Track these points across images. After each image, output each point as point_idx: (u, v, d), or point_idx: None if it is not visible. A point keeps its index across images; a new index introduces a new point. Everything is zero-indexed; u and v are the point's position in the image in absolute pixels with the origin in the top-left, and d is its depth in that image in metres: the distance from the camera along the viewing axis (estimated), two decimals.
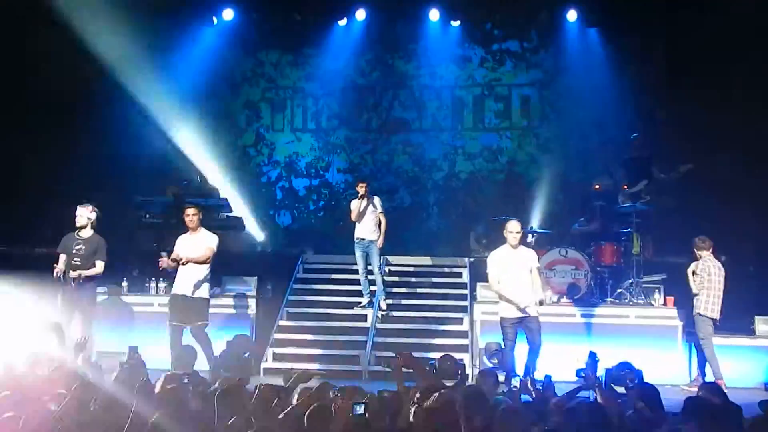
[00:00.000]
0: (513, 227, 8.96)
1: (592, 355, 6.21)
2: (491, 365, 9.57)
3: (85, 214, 9.27)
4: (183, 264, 9.07)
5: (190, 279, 9.09)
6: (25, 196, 9.33)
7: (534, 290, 8.85)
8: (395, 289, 11.68)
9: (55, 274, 9.06)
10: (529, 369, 8.39)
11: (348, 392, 4.94)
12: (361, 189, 10.94)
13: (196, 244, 9.20)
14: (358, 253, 11.03)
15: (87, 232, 9.28)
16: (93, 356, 8.70)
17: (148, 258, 11.41)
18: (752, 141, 11.59)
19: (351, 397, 4.69)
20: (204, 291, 9.17)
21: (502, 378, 7.87)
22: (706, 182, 11.74)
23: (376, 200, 11.11)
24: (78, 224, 9.25)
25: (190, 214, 9.22)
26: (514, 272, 8.85)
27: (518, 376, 8.17)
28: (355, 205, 10.95)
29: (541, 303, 8.83)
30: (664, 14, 12.81)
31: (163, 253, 9.20)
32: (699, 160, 11.79)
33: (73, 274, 9.09)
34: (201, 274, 9.13)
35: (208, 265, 9.20)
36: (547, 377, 6.23)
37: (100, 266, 9.22)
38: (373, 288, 11.08)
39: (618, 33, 13.67)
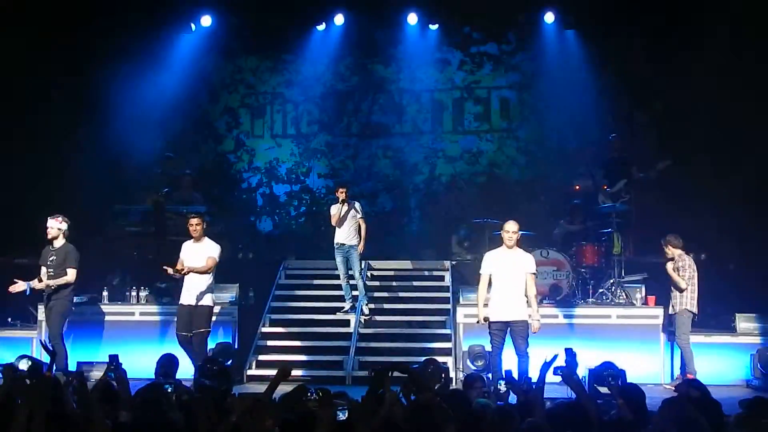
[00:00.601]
0: (509, 227, 8.74)
1: (569, 352, 6.18)
2: (474, 368, 9.54)
3: (55, 226, 9.30)
4: (185, 274, 9.16)
5: (194, 289, 9.22)
6: (3, 207, 9.29)
7: (528, 297, 8.67)
8: (377, 294, 11.68)
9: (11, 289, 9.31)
10: (521, 375, 8.28)
11: (325, 396, 4.89)
12: (341, 194, 10.91)
13: (199, 253, 9.30)
14: (339, 259, 11.00)
15: (59, 242, 9.33)
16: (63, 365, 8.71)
17: (128, 267, 11.39)
18: (730, 139, 11.70)
19: (329, 401, 4.66)
20: (208, 299, 9.30)
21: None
22: (685, 181, 11.83)
23: (357, 205, 11.10)
24: (49, 236, 9.29)
25: (194, 224, 9.30)
26: (507, 274, 8.68)
27: (504, 379, 8.10)
28: (335, 210, 10.93)
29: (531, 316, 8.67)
30: (641, 16, 12.89)
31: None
32: (678, 159, 11.87)
33: (39, 285, 9.25)
34: (204, 284, 9.25)
35: (212, 275, 9.32)
36: (531, 379, 6.22)
37: (71, 274, 9.29)
38: (354, 293, 11.06)
39: (595, 35, 13.74)
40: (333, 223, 10.99)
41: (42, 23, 11.80)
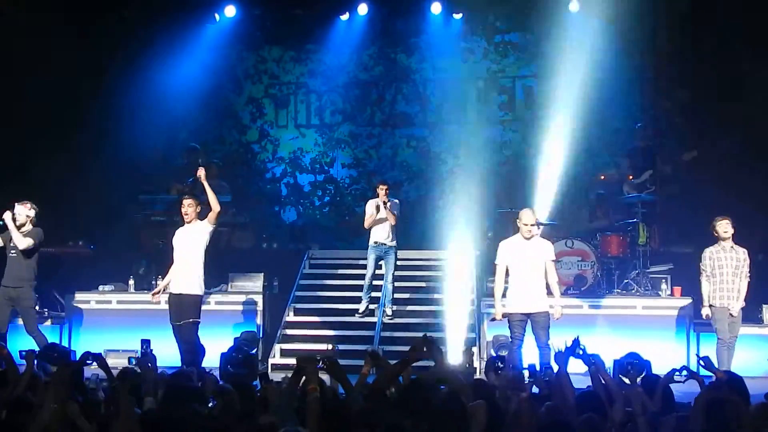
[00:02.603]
0: (526, 218, 8.56)
1: (576, 342, 6.12)
2: (495, 355, 9.51)
3: (23, 212, 9.06)
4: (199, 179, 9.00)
5: (181, 277, 8.93)
6: (32, 198, 9.32)
7: (550, 284, 8.56)
8: (401, 284, 11.66)
9: None
10: (543, 367, 8.21)
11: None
12: (382, 191, 10.75)
13: (190, 234, 8.98)
14: (372, 257, 10.79)
15: (26, 228, 9.07)
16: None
17: (154, 256, 11.48)
18: (759, 128, 11.55)
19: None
20: (195, 288, 8.92)
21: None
22: (712, 170, 11.72)
23: (395, 205, 10.92)
24: (18, 222, 9.01)
25: (186, 205, 8.93)
26: (525, 264, 8.54)
27: (525, 369, 8.06)
28: (372, 209, 10.74)
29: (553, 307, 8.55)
30: (666, 3, 12.77)
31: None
32: (704, 148, 11.77)
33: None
34: (192, 272, 8.90)
35: (198, 260, 8.94)
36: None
37: (24, 240, 8.95)
38: (374, 294, 10.90)
39: (621, 23, 13.62)
40: (367, 225, 10.81)
41: (68, 14, 11.87)
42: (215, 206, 8.83)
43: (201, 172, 9.01)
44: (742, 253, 9.15)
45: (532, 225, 8.56)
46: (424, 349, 5.07)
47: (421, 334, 10.16)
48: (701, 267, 9.23)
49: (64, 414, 4.16)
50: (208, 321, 9.21)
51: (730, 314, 9.02)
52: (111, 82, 13.02)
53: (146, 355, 6.15)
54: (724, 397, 4.74)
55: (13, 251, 9.08)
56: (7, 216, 8.91)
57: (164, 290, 9.12)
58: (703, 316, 9.26)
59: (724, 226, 9.10)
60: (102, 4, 12.84)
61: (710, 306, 9.11)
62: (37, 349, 6.74)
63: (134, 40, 13.14)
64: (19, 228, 9.01)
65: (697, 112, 12.48)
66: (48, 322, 10.76)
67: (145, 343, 6.48)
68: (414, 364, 5.42)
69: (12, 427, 4.46)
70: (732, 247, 9.14)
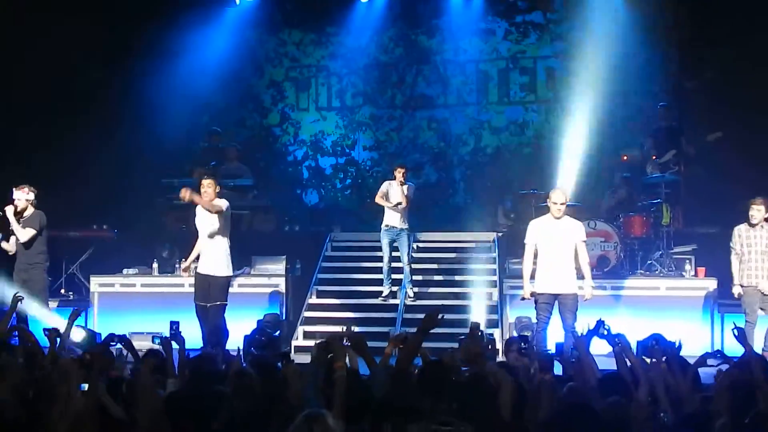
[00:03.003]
0: (556, 197, 8.47)
1: (599, 323, 6.10)
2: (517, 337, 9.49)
3: (23, 197, 8.99)
4: (185, 200, 9.02)
5: (210, 256, 9.00)
6: (57, 183, 9.39)
7: (581, 265, 8.51)
8: (423, 266, 11.67)
9: None
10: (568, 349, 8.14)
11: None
12: (400, 174, 10.76)
13: (211, 215, 8.99)
14: (385, 241, 10.80)
15: (28, 212, 9.03)
16: None
17: (177, 240, 11.54)
18: None
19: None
20: (224, 269, 9.01)
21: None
22: (737, 151, 11.56)
23: (409, 188, 10.91)
24: (18, 208, 8.95)
25: (205, 185, 8.93)
26: (555, 244, 8.48)
27: (549, 350, 8.03)
28: (387, 189, 10.80)
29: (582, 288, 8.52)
30: None
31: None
32: (729, 128, 11.63)
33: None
34: (219, 251, 8.98)
35: (223, 238, 9.00)
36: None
37: (25, 232, 8.95)
38: (396, 276, 10.91)
39: (644, 1, 13.47)
40: (377, 200, 10.86)
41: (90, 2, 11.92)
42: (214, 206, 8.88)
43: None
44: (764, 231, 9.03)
45: (562, 204, 8.48)
46: (438, 317, 5.07)
47: (445, 316, 10.23)
48: (731, 245, 9.17)
49: (93, 395, 4.19)
50: (232, 303, 9.24)
51: (762, 293, 8.92)
52: (132, 66, 13.09)
53: (176, 336, 6.18)
54: (748, 378, 4.70)
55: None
56: (8, 210, 8.90)
57: (194, 264, 9.18)
58: (735, 295, 9.17)
59: (753, 210, 8.98)
60: None
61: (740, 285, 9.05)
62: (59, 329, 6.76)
63: (155, 24, 13.15)
64: (21, 213, 8.99)
65: (723, 92, 12.31)
66: (73, 304, 10.82)
67: (175, 324, 6.50)
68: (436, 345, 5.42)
69: (38, 407, 4.51)
70: (762, 225, 9.00)
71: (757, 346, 8.76)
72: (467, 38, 14.55)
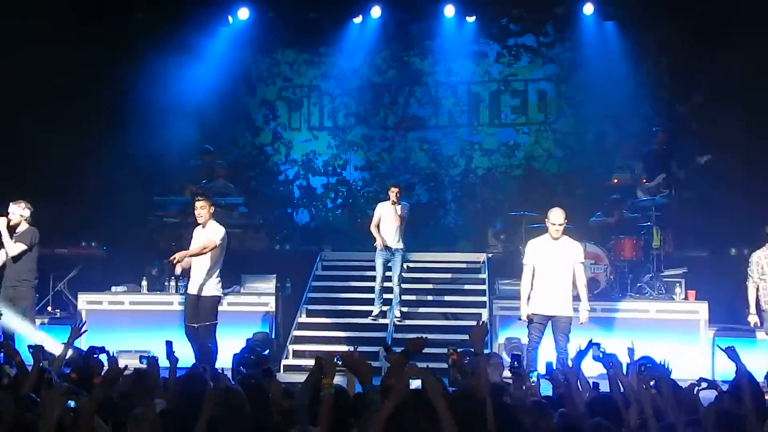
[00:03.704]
0: (555, 218, 8.36)
1: (590, 344, 6.08)
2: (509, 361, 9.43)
3: (17, 212, 8.92)
4: (177, 262, 8.93)
5: (198, 277, 8.89)
6: (46, 198, 9.32)
7: (578, 287, 8.42)
8: (413, 285, 11.63)
9: None
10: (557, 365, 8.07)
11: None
12: (394, 194, 10.77)
13: (202, 238, 8.93)
14: (379, 261, 10.78)
15: (21, 228, 8.95)
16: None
17: (167, 257, 11.46)
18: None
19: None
20: (213, 289, 8.91)
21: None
22: (726, 175, 11.60)
23: (403, 208, 10.90)
24: (12, 222, 8.88)
25: (198, 207, 8.89)
26: (552, 265, 8.39)
27: (536, 371, 7.96)
28: (379, 214, 10.78)
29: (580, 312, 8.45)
30: (681, 6, 12.71)
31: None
32: (719, 152, 11.66)
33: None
34: (208, 272, 8.86)
35: (216, 261, 8.89)
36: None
37: (15, 247, 8.83)
38: (387, 296, 10.87)
39: (635, 26, 13.57)
40: (373, 226, 10.80)
41: (82, 16, 11.89)
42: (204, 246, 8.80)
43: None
44: None
45: (560, 224, 8.39)
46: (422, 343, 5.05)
47: (434, 337, 10.18)
48: (748, 272, 9.00)
49: (84, 412, 4.12)
50: (221, 322, 9.17)
51: None
52: (125, 83, 13.05)
53: (170, 356, 6.12)
54: (734, 411, 4.66)
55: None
56: (1, 222, 8.79)
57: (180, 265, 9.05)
58: (751, 324, 9.02)
59: None
60: (116, 5, 12.87)
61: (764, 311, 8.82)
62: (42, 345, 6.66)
63: (147, 42, 13.16)
64: (14, 228, 8.90)
65: (713, 116, 12.37)
66: (59, 322, 10.74)
67: (169, 344, 6.43)
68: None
69: (24, 424, 4.43)
70: None
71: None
72: (459, 60, 14.61)
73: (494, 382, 5.35)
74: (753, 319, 8.95)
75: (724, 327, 9.80)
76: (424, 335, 5.20)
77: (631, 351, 6.11)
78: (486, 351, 7.54)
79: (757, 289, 9.03)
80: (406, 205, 11.05)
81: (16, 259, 8.88)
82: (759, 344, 9.63)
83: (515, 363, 6.15)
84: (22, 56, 11.25)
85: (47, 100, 11.56)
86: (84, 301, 10.97)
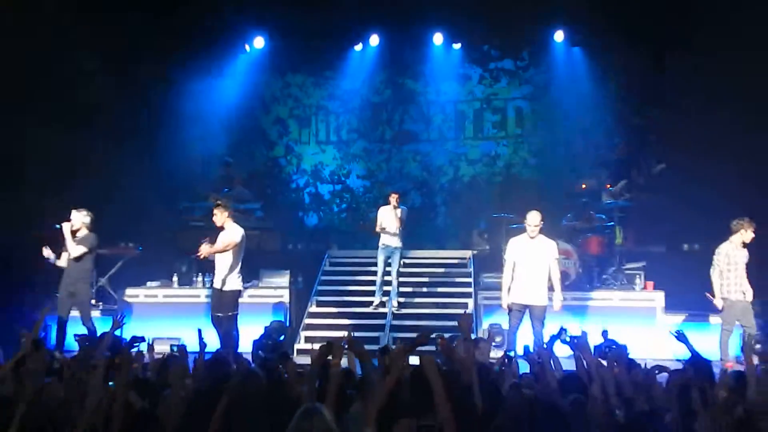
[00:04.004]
0: (532, 219, 8.42)
1: (561, 330, 6.14)
2: (493, 344, 9.47)
3: (79, 218, 8.98)
4: (201, 259, 9.01)
5: (220, 273, 8.96)
6: (91, 205, 9.35)
7: (553, 280, 8.42)
8: (408, 279, 11.68)
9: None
10: (533, 347, 8.11)
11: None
12: (394, 200, 10.79)
13: (222, 238, 9.00)
14: (381, 258, 10.82)
15: (82, 233, 8.99)
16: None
17: (195, 256, 11.51)
18: (719, 141, 11.48)
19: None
20: (233, 284, 8.94)
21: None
22: (679, 180, 11.66)
23: (404, 212, 10.92)
24: (73, 227, 8.92)
25: (216, 212, 9.00)
26: (528, 261, 8.43)
27: (514, 351, 8.01)
28: (382, 216, 10.77)
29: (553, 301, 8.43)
30: (639, 34, 12.76)
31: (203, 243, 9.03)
32: (673, 161, 11.72)
33: (59, 262, 9.01)
34: (228, 269, 8.90)
35: (236, 259, 8.93)
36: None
37: (77, 248, 8.87)
38: (386, 288, 10.93)
39: (599, 51, 13.63)
40: (377, 229, 10.81)
41: (125, 54, 11.89)
42: (225, 243, 8.88)
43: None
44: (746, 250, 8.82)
45: (536, 225, 8.43)
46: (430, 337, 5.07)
47: (426, 323, 10.25)
48: (714, 262, 8.81)
49: (120, 391, 4.17)
50: (242, 312, 9.22)
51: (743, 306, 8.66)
52: (157, 106, 13.09)
53: (200, 341, 6.16)
54: (693, 382, 4.72)
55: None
56: (65, 226, 8.88)
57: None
58: (719, 308, 8.86)
59: (750, 233, 8.68)
60: (149, 34, 12.88)
61: (724, 298, 8.73)
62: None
63: (176, 69, 13.20)
64: (75, 232, 8.96)
65: (667, 129, 12.44)
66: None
67: (200, 331, 6.46)
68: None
69: (69, 401, 4.49)
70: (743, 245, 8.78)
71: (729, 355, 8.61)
72: (447, 82, 14.66)
73: (481, 362, 5.42)
74: (719, 303, 8.82)
75: (676, 312, 9.84)
76: (434, 332, 5.16)
77: (605, 333, 6.18)
78: (473, 336, 7.58)
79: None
80: (404, 209, 11.09)
81: (77, 259, 8.92)
82: (711, 328, 9.72)
83: (506, 360, 6.11)
84: (79, 89, 11.23)
85: (97, 122, 11.55)
86: (123, 294, 11.01)
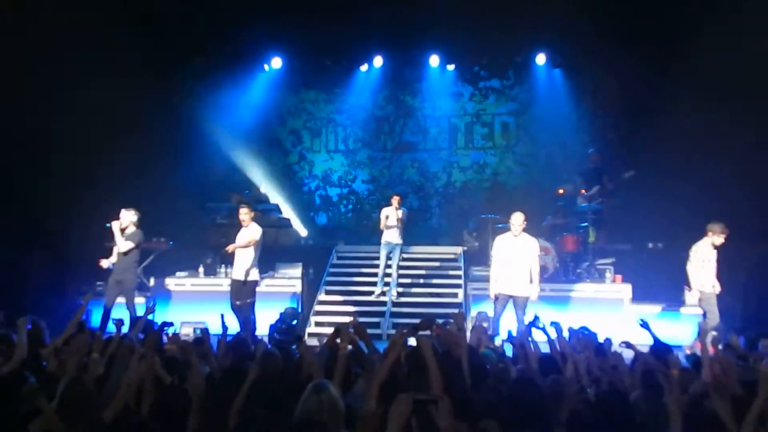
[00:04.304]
0: (514, 220, 8.43)
1: (536, 318, 6.13)
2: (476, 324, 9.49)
3: (128, 217, 9.00)
4: (227, 254, 9.06)
5: (240, 266, 8.99)
6: (129, 204, 9.37)
7: (532, 273, 8.39)
8: (407, 272, 11.68)
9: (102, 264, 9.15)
10: (515, 332, 8.14)
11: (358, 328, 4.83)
12: (395, 202, 10.76)
13: (244, 235, 9.06)
14: (383, 252, 10.80)
15: (130, 230, 9.01)
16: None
17: (218, 250, 11.52)
18: (680, 154, 11.48)
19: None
20: (251, 275, 8.96)
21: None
22: (645, 186, 11.65)
23: (403, 212, 10.88)
24: (122, 225, 8.95)
25: (241, 213, 9.07)
26: (512, 257, 8.42)
27: (499, 335, 8.03)
28: (387, 214, 10.73)
29: (533, 290, 8.40)
30: (612, 58, 12.76)
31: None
32: (640, 169, 11.72)
33: (111, 259, 9.07)
34: (247, 261, 8.94)
35: (254, 252, 8.96)
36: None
37: (125, 244, 8.89)
38: (387, 279, 10.92)
39: (577, 72, 13.64)
40: (381, 227, 10.79)
41: (157, 71, 11.90)
42: (247, 241, 8.91)
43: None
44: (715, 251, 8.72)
45: (519, 225, 8.45)
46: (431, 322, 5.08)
47: (422, 311, 10.25)
48: (691, 258, 8.66)
49: (150, 367, 4.19)
50: (260, 300, 9.25)
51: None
52: (187, 118, 13.12)
53: (222, 324, 6.17)
54: (654, 365, 4.74)
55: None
56: (114, 225, 8.91)
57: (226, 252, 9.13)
58: (696, 300, 8.78)
59: (722, 237, 8.57)
60: (183, 58, 12.93)
61: (700, 291, 8.64)
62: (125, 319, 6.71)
63: (205, 87, 13.24)
64: (124, 229, 8.99)
65: (635, 142, 12.44)
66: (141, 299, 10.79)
67: (222, 316, 6.49)
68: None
69: (105, 378, 4.51)
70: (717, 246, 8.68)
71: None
72: (442, 99, 14.67)
73: (470, 345, 5.44)
74: (696, 294, 8.72)
75: (641, 302, 9.83)
76: (433, 319, 5.16)
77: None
78: (472, 326, 7.57)
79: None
80: (405, 210, 11.09)
81: (125, 253, 8.95)
82: (681, 317, 9.76)
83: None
84: (118, 106, 11.23)
85: (144, 134, 11.57)
86: (156, 283, 11.02)
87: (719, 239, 8.59)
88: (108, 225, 9.03)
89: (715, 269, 8.67)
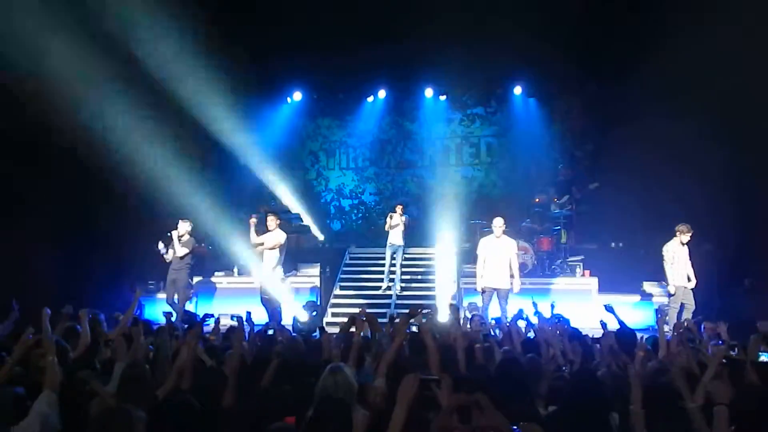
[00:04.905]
0: (495, 222, 8.51)
1: (521, 311, 6.08)
2: (470, 316, 9.44)
3: (184, 227, 9.19)
4: (254, 224, 9.17)
5: (268, 266, 9.06)
6: (176, 216, 9.40)
7: (512, 269, 8.38)
8: (409, 269, 11.64)
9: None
10: (501, 319, 8.14)
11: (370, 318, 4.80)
12: (398, 210, 10.79)
13: (270, 238, 9.12)
14: (389, 253, 10.80)
15: (185, 238, 9.17)
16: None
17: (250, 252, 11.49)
18: (639, 166, 11.41)
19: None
20: (278, 274, 9.05)
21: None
22: (608, 195, 11.62)
23: (406, 218, 10.91)
24: (179, 234, 9.14)
25: (269, 220, 9.16)
26: (495, 255, 8.45)
27: (488, 321, 7.96)
28: (391, 220, 10.74)
29: (513, 285, 8.36)
30: (578, 89, 12.79)
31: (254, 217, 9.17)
32: (603, 181, 11.70)
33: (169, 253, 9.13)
34: (273, 261, 9.00)
35: (278, 253, 9.01)
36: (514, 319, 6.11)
37: (182, 250, 9.11)
38: (392, 276, 10.91)
39: (548, 100, 13.64)
40: (387, 228, 10.80)
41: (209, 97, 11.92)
42: (272, 243, 8.97)
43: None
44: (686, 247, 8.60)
45: (500, 227, 8.51)
46: (418, 311, 5.06)
47: (421, 302, 10.20)
48: (665, 257, 8.50)
49: (192, 351, 4.18)
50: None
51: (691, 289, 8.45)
52: (225, 144, 13.11)
53: (249, 321, 6.16)
54: (619, 345, 4.69)
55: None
56: (174, 233, 9.11)
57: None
58: (672, 292, 8.57)
59: (688, 236, 8.48)
60: (220, 93, 12.90)
61: (675, 286, 8.50)
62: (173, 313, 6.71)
63: (239, 117, 13.24)
64: (180, 237, 9.15)
65: (599, 158, 12.42)
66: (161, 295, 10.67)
67: (248, 313, 6.48)
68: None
69: (156, 362, 4.49)
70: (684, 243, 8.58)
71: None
72: (436, 124, 14.65)
73: (464, 331, 5.41)
74: (672, 289, 8.53)
75: (606, 293, 9.78)
76: (420, 305, 5.16)
77: (552, 306, 6.13)
78: (471, 315, 7.50)
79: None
80: (407, 216, 11.10)
81: (182, 257, 9.05)
82: (640, 304, 9.75)
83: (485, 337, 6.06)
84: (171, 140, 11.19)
85: (184, 159, 11.57)
86: (197, 281, 10.99)
87: (686, 237, 8.51)
88: (169, 233, 9.12)
89: (689, 264, 8.51)
